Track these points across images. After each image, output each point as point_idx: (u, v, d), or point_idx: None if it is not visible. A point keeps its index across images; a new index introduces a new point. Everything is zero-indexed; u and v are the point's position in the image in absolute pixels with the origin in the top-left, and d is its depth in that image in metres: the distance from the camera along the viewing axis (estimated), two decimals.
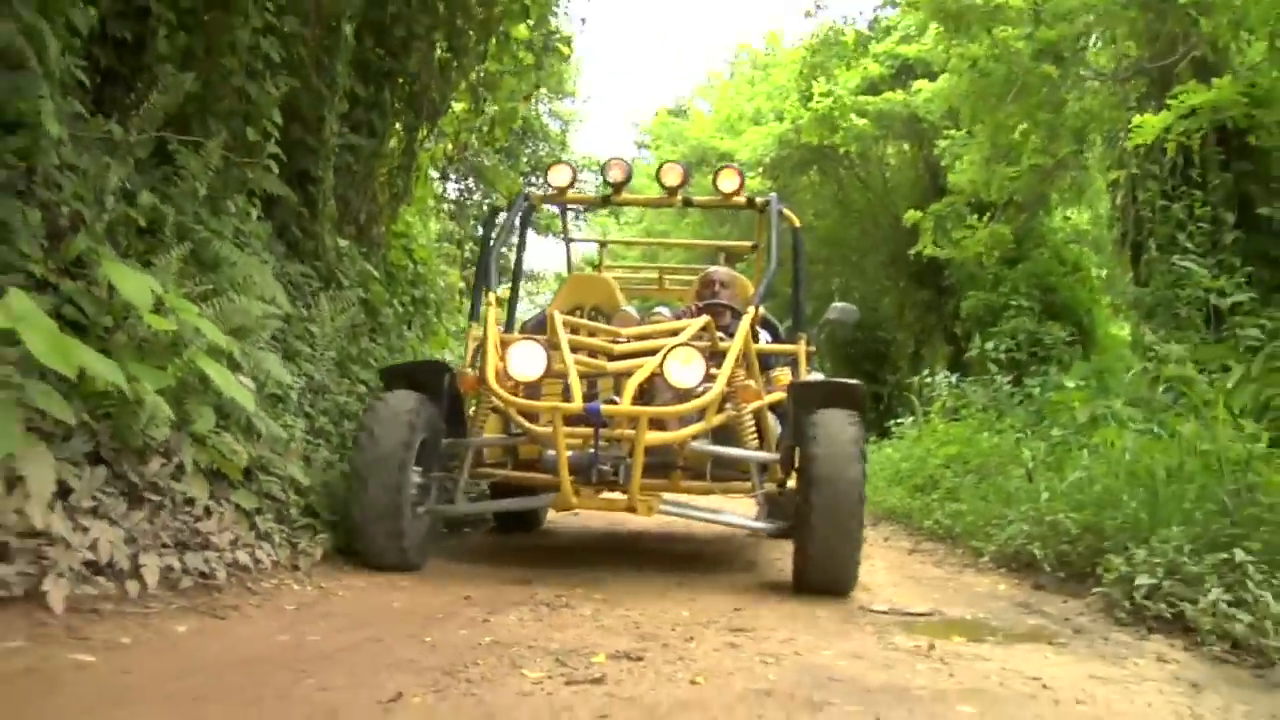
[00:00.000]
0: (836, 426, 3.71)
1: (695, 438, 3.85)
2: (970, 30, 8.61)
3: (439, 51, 6.29)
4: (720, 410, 3.96)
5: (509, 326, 5.29)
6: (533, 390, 3.86)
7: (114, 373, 2.49)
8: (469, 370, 4.07)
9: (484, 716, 1.90)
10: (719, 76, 23.82)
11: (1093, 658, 2.80)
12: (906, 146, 15.36)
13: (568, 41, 8.63)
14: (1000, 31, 8.44)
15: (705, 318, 4.29)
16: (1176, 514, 3.70)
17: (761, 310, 4.71)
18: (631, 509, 3.64)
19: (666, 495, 4.02)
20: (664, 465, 4.07)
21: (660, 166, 4.86)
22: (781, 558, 4.47)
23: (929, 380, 9.14)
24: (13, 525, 2.30)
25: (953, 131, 10.96)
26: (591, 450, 3.62)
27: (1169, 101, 6.88)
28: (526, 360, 3.71)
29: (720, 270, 5.29)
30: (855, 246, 16.76)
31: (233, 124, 4.07)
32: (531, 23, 7.12)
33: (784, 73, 17.29)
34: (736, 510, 4.52)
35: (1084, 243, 13.03)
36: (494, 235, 4.65)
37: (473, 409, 4.29)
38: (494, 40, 6.59)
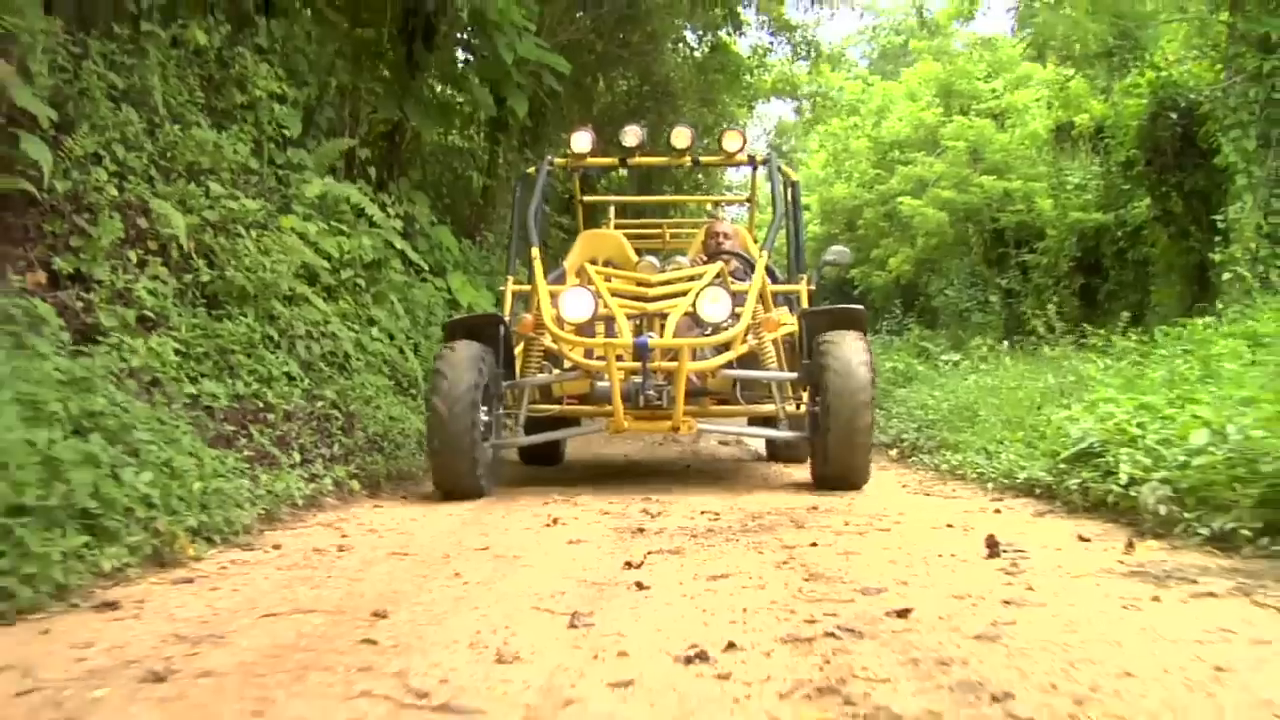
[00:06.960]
0: (846, 343, 4.29)
1: (724, 365, 4.45)
2: None
3: None
4: (743, 341, 4.55)
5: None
6: (581, 331, 4.42)
7: None
8: (526, 316, 4.60)
9: None
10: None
11: None
12: None
13: None
14: None
15: (719, 264, 4.87)
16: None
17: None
18: (676, 429, 4.23)
19: (703, 418, 4.61)
20: (694, 393, 4.67)
21: (672, 130, 5.39)
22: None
23: None
24: None
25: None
26: (639, 380, 4.19)
27: None
28: (578, 304, 4.26)
29: (723, 223, 5.88)
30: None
31: None
32: None
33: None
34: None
35: None
36: (531, 197, 5.15)
37: (519, 352, 4.80)
38: None
